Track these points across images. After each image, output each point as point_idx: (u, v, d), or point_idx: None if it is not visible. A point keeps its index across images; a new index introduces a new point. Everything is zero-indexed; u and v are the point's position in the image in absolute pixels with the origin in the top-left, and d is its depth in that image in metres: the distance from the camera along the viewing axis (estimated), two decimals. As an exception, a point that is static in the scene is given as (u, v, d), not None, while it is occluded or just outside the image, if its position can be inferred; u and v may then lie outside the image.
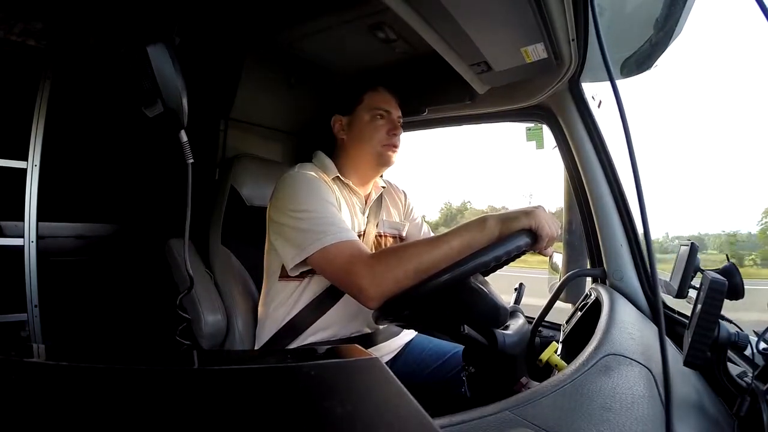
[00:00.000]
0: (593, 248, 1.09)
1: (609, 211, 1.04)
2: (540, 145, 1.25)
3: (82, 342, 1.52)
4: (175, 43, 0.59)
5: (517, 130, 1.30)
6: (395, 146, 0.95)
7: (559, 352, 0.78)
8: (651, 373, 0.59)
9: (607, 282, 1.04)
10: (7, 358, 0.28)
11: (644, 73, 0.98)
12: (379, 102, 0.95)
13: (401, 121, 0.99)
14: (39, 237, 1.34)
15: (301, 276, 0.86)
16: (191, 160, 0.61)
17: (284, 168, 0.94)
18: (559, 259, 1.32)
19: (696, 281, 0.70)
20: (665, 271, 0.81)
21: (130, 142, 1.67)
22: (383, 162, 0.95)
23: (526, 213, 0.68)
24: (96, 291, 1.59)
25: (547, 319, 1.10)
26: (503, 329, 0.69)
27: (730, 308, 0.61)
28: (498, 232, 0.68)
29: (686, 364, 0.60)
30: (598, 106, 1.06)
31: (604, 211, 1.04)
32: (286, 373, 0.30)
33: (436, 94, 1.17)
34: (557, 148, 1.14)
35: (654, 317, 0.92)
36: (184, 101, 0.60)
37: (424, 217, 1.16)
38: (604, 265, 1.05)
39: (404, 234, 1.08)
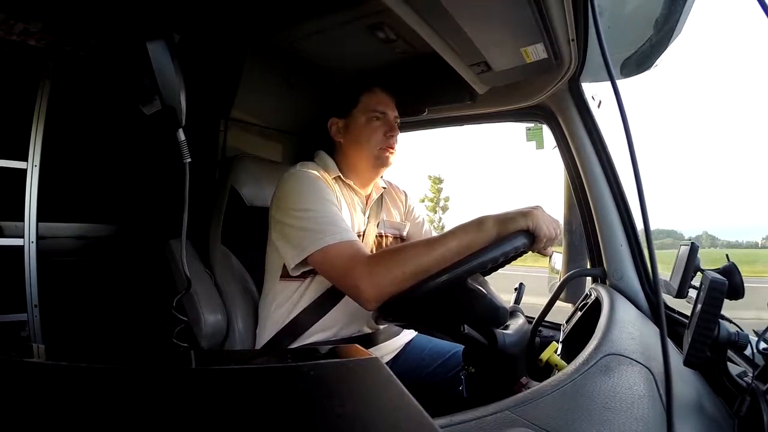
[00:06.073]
0: (593, 248, 1.09)
1: (609, 211, 1.04)
2: (540, 145, 1.25)
3: (82, 342, 1.52)
4: (175, 40, 0.59)
5: (517, 130, 1.30)
6: (392, 147, 0.95)
7: (559, 352, 0.78)
8: (651, 372, 0.59)
9: (607, 282, 1.04)
10: (7, 358, 0.28)
11: (644, 73, 0.99)
12: (375, 104, 0.95)
13: (398, 121, 0.98)
14: (39, 237, 1.34)
15: (303, 276, 0.86)
16: (188, 160, 0.61)
17: (284, 168, 0.94)
18: (559, 258, 1.32)
19: (696, 281, 0.70)
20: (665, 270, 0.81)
21: (130, 143, 1.67)
22: (381, 164, 0.95)
23: (524, 214, 0.68)
24: (96, 291, 1.59)
25: (547, 319, 1.10)
26: (503, 329, 0.69)
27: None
28: (496, 232, 0.68)
29: (686, 363, 0.60)
30: (598, 106, 1.06)
31: (604, 211, 1.04)
32: (286, 373, 0.30)
33: (436, 94, 1.17)
34: (557, 148, 1.14)
35: (655, 317, 0.92)
36: (183, 99, 0.59)
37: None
38: (604, 265, 1.05)
39: (405, 234, 1.08)
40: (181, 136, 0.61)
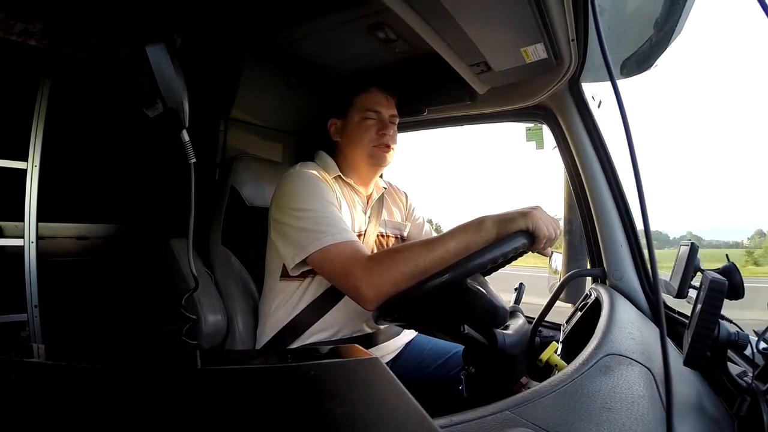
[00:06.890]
0: (593, 248, 1.09)
1: (609, 211, 1.04)
2: (540, 145, 1.25)
3: (82, 342, 1.52)
4: (177, 43, 0.59)
5: (516, 130, 1.30)
6: (387, 145, 0.95)
7: (559, 352, 0.77)
8: (651, 372, 0.59)
9: (607, 282, 1.04)
10: (7, 358, 0.28)
11: (644, 73, 0.99)
12: (369, 103, 0.95)
13: (396, 119, 0.98)
14: (39, 237, 1.34)
15: (302, 276, 0.86)
16: (193, 160, 0.61)
17: (285, 168, 0.94)
18: (559, 258, 1.32)
19: (696, 281, 0.70)
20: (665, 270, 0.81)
21: (130, 143, 1.67)
22: (376, 162, 0.95)
23: (523, 214, 0.68)
24: (96, 292, 1.59)
25: (547, 319, 1.10)
26: (503, 329, 0.69)
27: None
28: (495, 233, 0.68)
29: (686, 364, 0.60)
30: (598, 106, 1.06)
31: (604, 211, 1.04)
32: (286, 373, 0.30)
33: (436, 94, 1.17)
34: (557, 148, 1.14)
35: (655, 317, 0.92)
36: (185, 101, 0.59)
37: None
38: (604, 265, 1.05)
39: (406, 234, 1.08)
40: (186, 137, 0.61)
